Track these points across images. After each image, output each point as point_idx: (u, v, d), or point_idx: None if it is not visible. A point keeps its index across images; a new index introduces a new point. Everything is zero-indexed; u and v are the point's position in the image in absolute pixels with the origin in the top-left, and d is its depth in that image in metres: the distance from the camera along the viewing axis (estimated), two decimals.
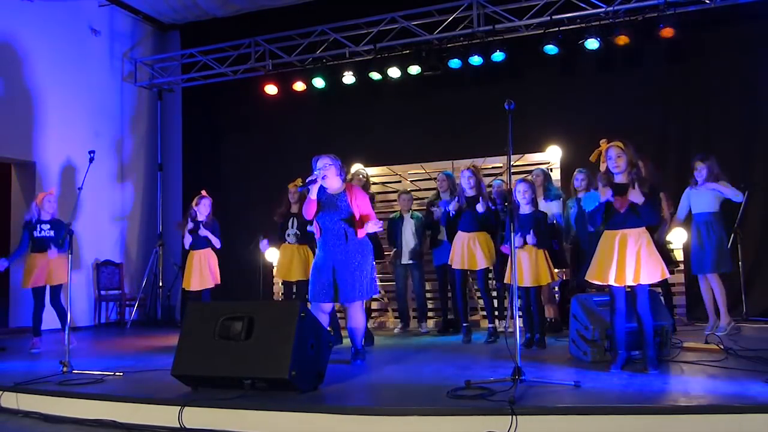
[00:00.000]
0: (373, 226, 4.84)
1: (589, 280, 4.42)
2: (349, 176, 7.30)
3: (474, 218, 6.15)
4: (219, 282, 6.86)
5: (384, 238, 7.52)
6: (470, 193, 6.20)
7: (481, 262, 6.13)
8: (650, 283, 4.22)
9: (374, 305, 8.07)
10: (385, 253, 7.57)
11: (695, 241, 6.24)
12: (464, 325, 6.43)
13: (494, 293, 7.14)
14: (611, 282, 4.23)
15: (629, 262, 4.16)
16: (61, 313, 6.55)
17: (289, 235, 6.89)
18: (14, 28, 8.53)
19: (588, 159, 4.69)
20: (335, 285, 4.83)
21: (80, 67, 9.43)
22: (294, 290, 6.94)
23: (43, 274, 6.46)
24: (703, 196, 6.16)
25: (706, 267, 6.12)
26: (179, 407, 3.68)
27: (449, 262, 6.36)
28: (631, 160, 4.26)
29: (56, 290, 6.52)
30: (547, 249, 5.77)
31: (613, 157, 4.27)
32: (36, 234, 6.53)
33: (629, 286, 4.24)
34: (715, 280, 6.13)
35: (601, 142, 4.40)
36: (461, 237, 6.23)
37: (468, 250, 6.15)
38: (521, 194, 5.70)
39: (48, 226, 6.55)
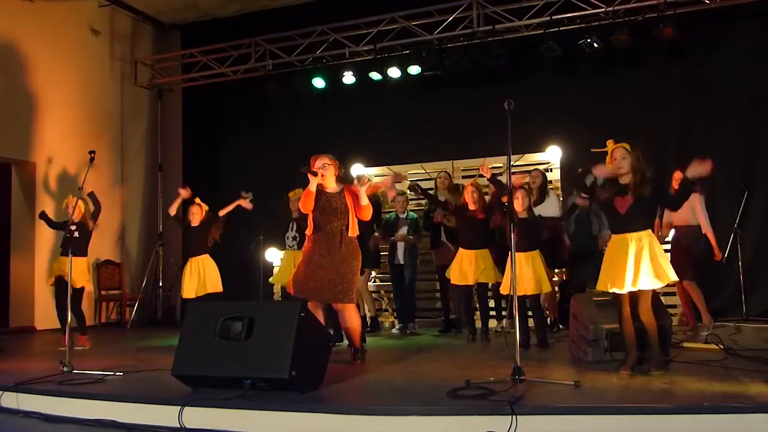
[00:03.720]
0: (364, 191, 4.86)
1: (600, 290, 4.39)
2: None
3: (475, 235, 6.18)
4: (219, 290, 6.75)
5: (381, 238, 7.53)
6: (471, 207, 6.20)
7: (480, 278, 6.16)
8: (653, 288, 4.19)
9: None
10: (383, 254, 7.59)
11: (674, 251, 6.35)
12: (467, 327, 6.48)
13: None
14: (618, 289, 4.20)
15: (629, 267, 4.12)
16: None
17: (288, 238, 6.95)
18: (14, 28, 8.53)
19: (588, 158, 4.70)
20: (326, 285, 4.83)
21: (80, 67, 9.44)
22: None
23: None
24: (683, 208, 6.25)
25: (682, 275, 6.21)
26: (179, 407, 3.67)
27: (447, 276, 6.43)
28: (635, 164, 4.21)
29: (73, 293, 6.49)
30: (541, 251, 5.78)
31: (618, 158, 4.26)
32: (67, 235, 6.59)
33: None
34: (690, 288, 6.23)
35: (608, 142, 4.36)
36: (461, 254, 6.27)
37: (467, 266, 6.17)
38: (518, 201, 5.70)
39: (74, 227, 6.60)
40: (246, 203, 6.82)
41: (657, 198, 4.33)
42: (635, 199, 4.18)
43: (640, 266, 4.11)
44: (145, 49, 10.54)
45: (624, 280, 4.13)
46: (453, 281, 6.31)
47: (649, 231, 4.23)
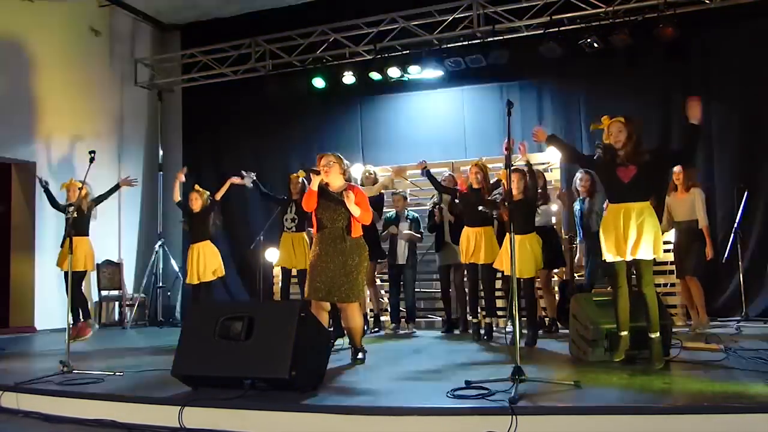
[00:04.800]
0: (351, 203, 4.81)
1: (608, 260, 4.46)
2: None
3: (479, 214, 6.23)
4: (222, 274, 6.91)
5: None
6: (475, 186, 6.31)
7: (485, 257, 6.19)
8: (649, 258, 4.25)
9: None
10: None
11: (677, 245, 6.48)
12: (474, 321, 6.50)
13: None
14: (617, 258, 4.28)
15: (631, 236, 4.21)
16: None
17: (287, 220, 7.06)
18: (14, 28, 8.53)
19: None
20: (332, 283, 4.83)
21: (80, 67, 9.44)
22: (295, 280, 7.03)
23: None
24: (684, 203, 6.34)
25: (685, 270, 6.42)
26: (179, 407, 3.67)
27: (461, 258, 6.46)
28: (631, 134, 4.34)
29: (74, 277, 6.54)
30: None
31: (614, 132, 4.38)
32: (65, 213, 6.86)
33: (632, 266, 4.28)
34: (693, 284, 6.37)
35: (603, 118, 4.49)
36: (466, 232, 6.32)
37: (474, 245, 6.23)
38: (514, 183, 5.72)
39: (72, 208, 6.72)
40: (239, 180, 6.95)
41: (663, 157, 4.55)
42: (638, 169, 4.28)
43: (642, 237, 4.21)
44: (145, 49, 10.54)
45: (626, 249, 4.23)
46: (463, 260, 6.37)
47: (648, 203, 4.32)
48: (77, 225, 6.73)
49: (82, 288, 7.16)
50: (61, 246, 7.01)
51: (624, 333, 4.35)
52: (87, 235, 7.08)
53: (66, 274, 6.65)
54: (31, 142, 8.70)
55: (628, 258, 4.27)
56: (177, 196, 7.30)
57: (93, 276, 9.33)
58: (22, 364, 5.39)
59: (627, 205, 4.28)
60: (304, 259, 6.68)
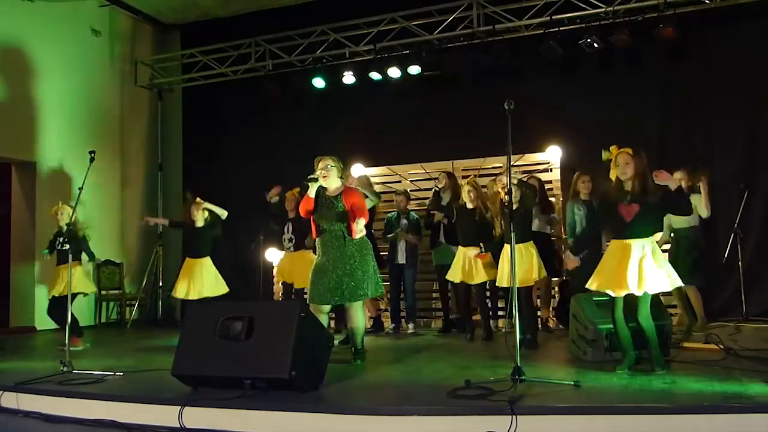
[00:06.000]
0: (357, 227, 4.72)
1: (590, 289, 4.40)
2: (350, 181, 7.35)
3: (472, 232, 6.14)
4: (223, 291, 6.50)
5: (380, 239, 7.52)
6: (470, 205, 6.17)
7: (479, 277, 6.11)
8: (660, 291, 4.19)
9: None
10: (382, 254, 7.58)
11: (673, 253, 6.39)
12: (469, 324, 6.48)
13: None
14: (612, 292, 4.23)
15: (632, 271, 4.13)
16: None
17: (284, 240, 7.05)
18: (15, 29, 8.54)
19: (587, 160, 4.72)
20: (335, 286, 4.82)
21: (81, 67, 9.44)
22: (293, 294, 7.00)
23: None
24: None
25: (683, 278, 6.30)
26: (179, 407, 3.67)
27: (448, 278, 6.34)
28: (638, 169, 4.23)
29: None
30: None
31: (621, 164, 4.27)
32: (57, 247, 6.57)
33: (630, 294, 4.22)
34: (691, 292, 6.32)
35: (611, 148, 4.36)
36: (461, 252, 6.24)
37: (468, 265, 6.14)
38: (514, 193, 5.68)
39: (63, 238, 6.58)
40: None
41: (666, 206, 4.33)
42: (641, 207, 4.19)
43: (643, 269, 4.12)
44: (145, 49, 10.54)
45: (625, 282, 4.13)
46: (454, 280, 6.25)
47: (652, 238, 4.24)
48: (72, 252, 6.46)
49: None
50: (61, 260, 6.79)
51: (629, 353, 4.32)
52: (80, 259, 6.82)
53: (54, 299, 6.60)
54: (31, 142, 8.70)
55: (633, 291, 4.14)
56: (166, 223, 7.26)
57: (92, 275, 9.30)
58: (22, 364, 5.39)
59: (628, 241, 4.19)
60: (303, 278, 6.33)
